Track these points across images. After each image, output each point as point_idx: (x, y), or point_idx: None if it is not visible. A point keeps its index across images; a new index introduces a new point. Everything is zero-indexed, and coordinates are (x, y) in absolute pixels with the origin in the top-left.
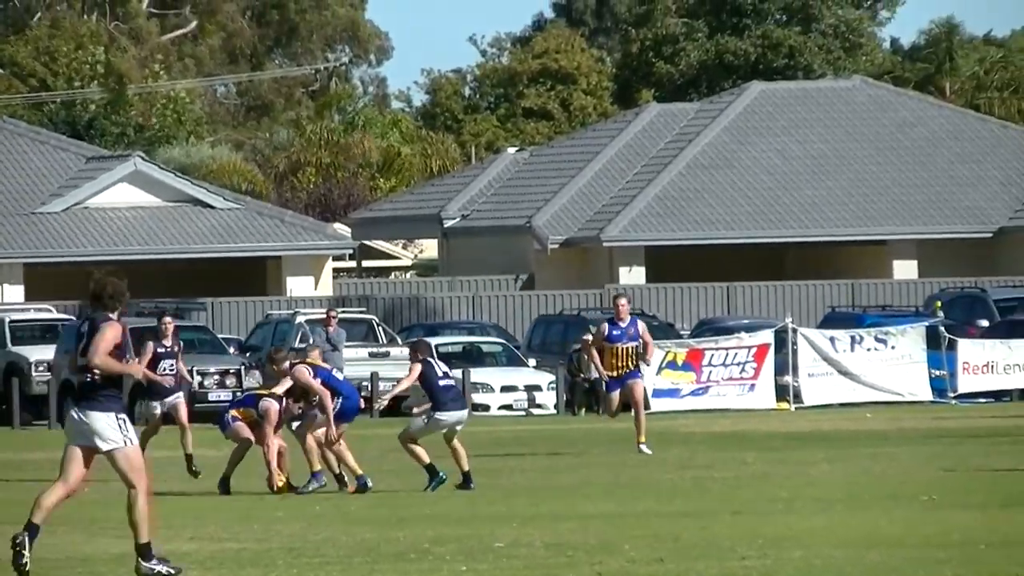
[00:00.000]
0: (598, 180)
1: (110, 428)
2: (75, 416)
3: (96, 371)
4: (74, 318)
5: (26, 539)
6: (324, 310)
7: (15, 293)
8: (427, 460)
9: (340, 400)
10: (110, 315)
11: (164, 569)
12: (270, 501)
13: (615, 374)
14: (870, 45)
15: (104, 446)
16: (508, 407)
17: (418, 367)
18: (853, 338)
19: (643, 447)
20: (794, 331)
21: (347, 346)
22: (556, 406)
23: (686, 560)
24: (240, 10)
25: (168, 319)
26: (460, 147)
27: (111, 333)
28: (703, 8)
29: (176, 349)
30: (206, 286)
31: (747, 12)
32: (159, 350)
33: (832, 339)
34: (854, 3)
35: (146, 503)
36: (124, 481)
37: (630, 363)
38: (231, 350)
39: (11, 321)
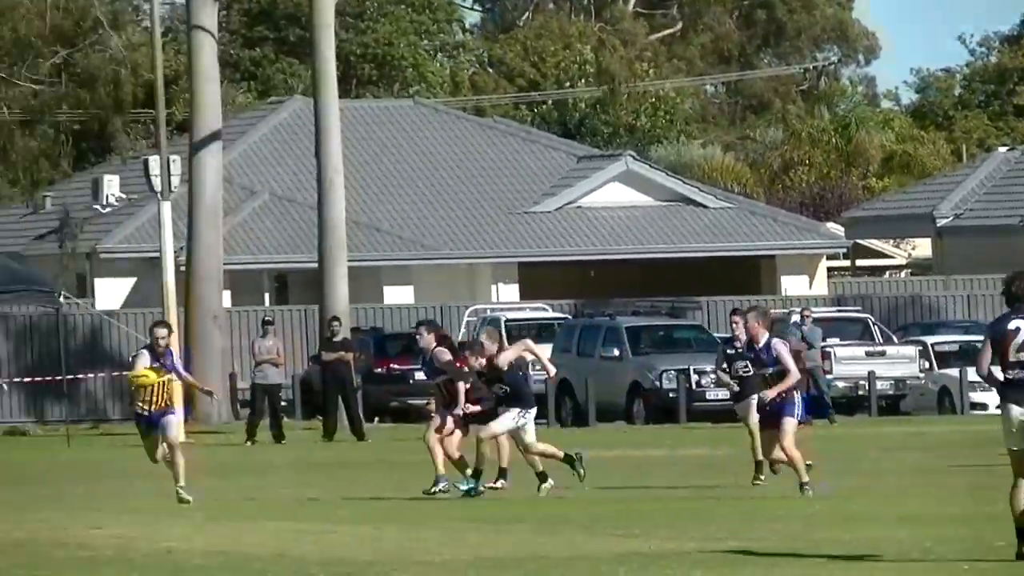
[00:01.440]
0: None
1: None
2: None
3: None
4: (569, 316)
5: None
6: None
7: (510, 292)
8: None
9: None
10: None
11: None
12: (771, 501)
13: None
14: None
15: None
16: None
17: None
18: None
19: None
20: None
21: (842, 345)
22: None
23: None
24: (727, 11)
25: (737, 318)
26: (951, 145)
27: None
28: None
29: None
30: (699, 285)
31: None
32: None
33: None
34: None
35: None
36: None
37: None
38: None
39: (507, 320)
